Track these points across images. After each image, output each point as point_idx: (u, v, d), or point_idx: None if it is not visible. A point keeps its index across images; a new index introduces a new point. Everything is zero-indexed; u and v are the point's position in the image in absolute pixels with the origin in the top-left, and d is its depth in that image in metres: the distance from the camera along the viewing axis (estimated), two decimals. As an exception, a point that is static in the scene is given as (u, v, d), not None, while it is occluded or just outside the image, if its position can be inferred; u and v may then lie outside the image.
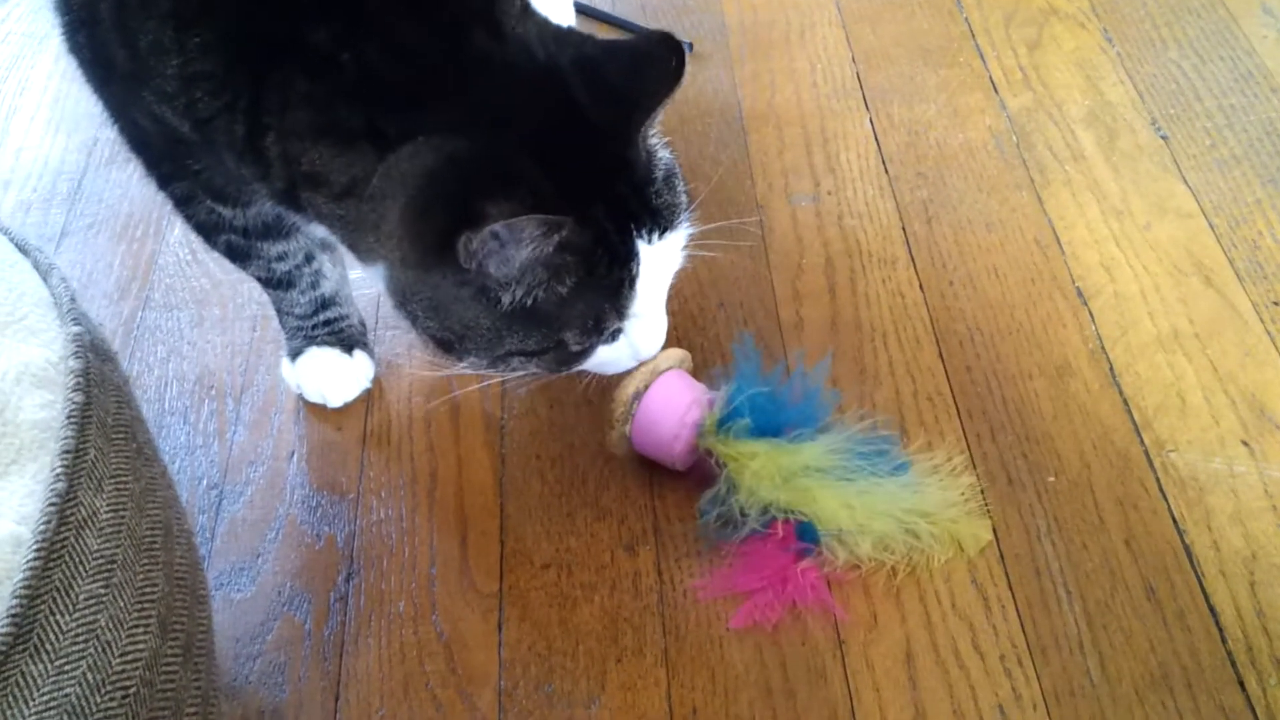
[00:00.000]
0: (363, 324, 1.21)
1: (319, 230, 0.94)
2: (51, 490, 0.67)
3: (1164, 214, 1.28)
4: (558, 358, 0.91)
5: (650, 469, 1.08)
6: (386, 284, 0.88)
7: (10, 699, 0.61)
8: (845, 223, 1.31)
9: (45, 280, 0.80)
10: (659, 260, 0.89)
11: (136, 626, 0.69)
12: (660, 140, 0.90)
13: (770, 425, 1.01)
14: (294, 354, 1.18)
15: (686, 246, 0.92)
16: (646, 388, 1.02)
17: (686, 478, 1.06)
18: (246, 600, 1.04)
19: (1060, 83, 1.45)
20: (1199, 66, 1.44)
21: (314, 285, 1.12)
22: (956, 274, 1.24)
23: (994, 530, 1.02)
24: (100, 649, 0.66)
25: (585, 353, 0.92)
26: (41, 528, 0.65)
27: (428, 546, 1.07)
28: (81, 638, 0.65)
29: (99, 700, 0.65)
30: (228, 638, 1.01)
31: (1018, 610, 0.97)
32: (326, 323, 1.16)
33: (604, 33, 1.54)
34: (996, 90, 1.45)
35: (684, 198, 0.90)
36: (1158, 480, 1.05)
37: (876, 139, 1.40)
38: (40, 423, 0.70)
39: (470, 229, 0.77)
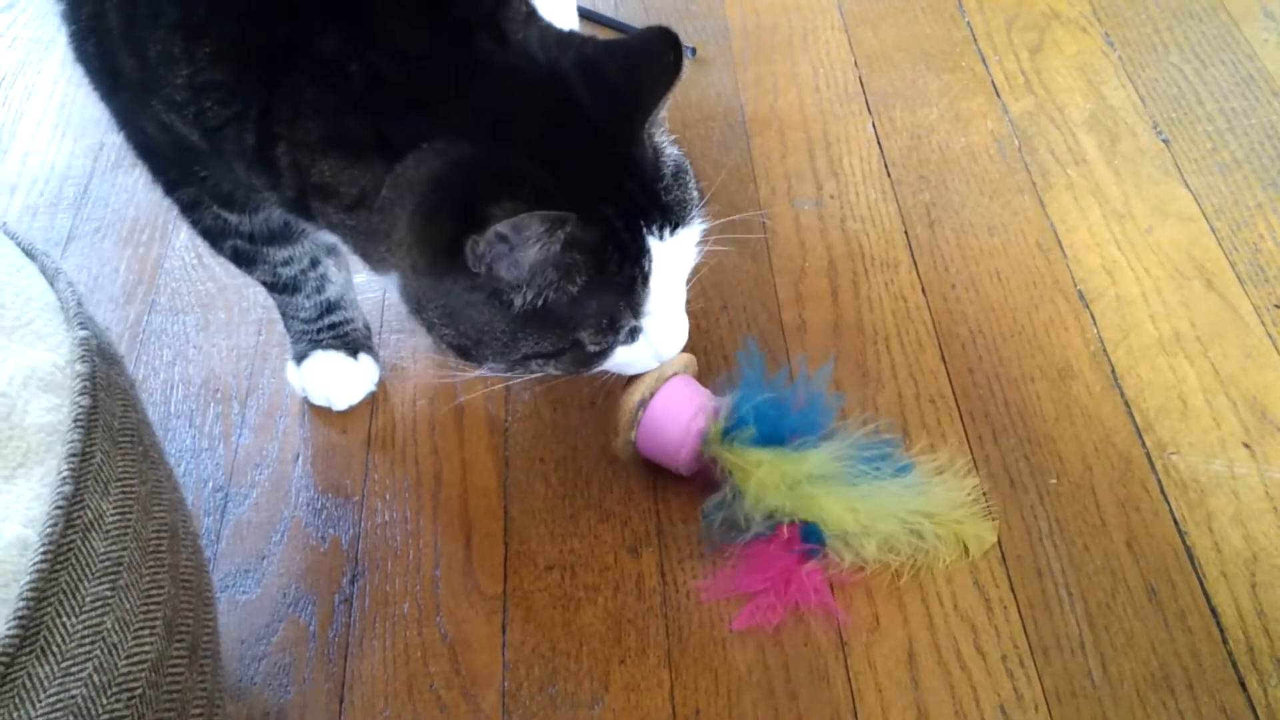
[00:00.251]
0: (367, 327, 1.21)
1: (327, 236, 0.94)
2: (58, 493, 0.67)
3: (1165, 217, 1.28)
4: (575, 358, 0.90)
5: (654, 471, 1.09)
6: (401, 292, 0.89)
7: (17, 700, 0.61)
8: (848, 226, 1.31)
9: (52, 285, 0.81)
10: (672, 257, 0.88)
11: (142, 628, 0.70)
12: (668, 137, 0.90)
13: (775, 433, 1.01)
14: (299, 357, 1.18)
15: (701, 243, 0.91)
16: (652, 394, 1.02)
17: (690, 480, 1.06)
18: (252, 602, 1.05)
19: (1062, 87, 1.45)
20: (1200, 70, 1.45)
21: (319, 289, 1.12)
22: (959, 277, 1.25)
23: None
24: (106, 651, 0.66)
25: (603, 353, 0.92)
26: (48, 531, 0.65)
27: (432, 548, 1.07)
28: (88, 640, 0.65)
29: (105, 702, 0.66)
30: (233, 639, 1.02)
31: (1019, 611, 0.98)
32: (331, 326, 1.16)
33: (606, 36, 1.54)
34: (998, 94, 1.45)
35: (695, 193, 0.90)
36: (1159, 482, 1.05)
37: (879, 143, 1.41)
38: (47, 426, 0.70)
39: (476, 232, 0.77)
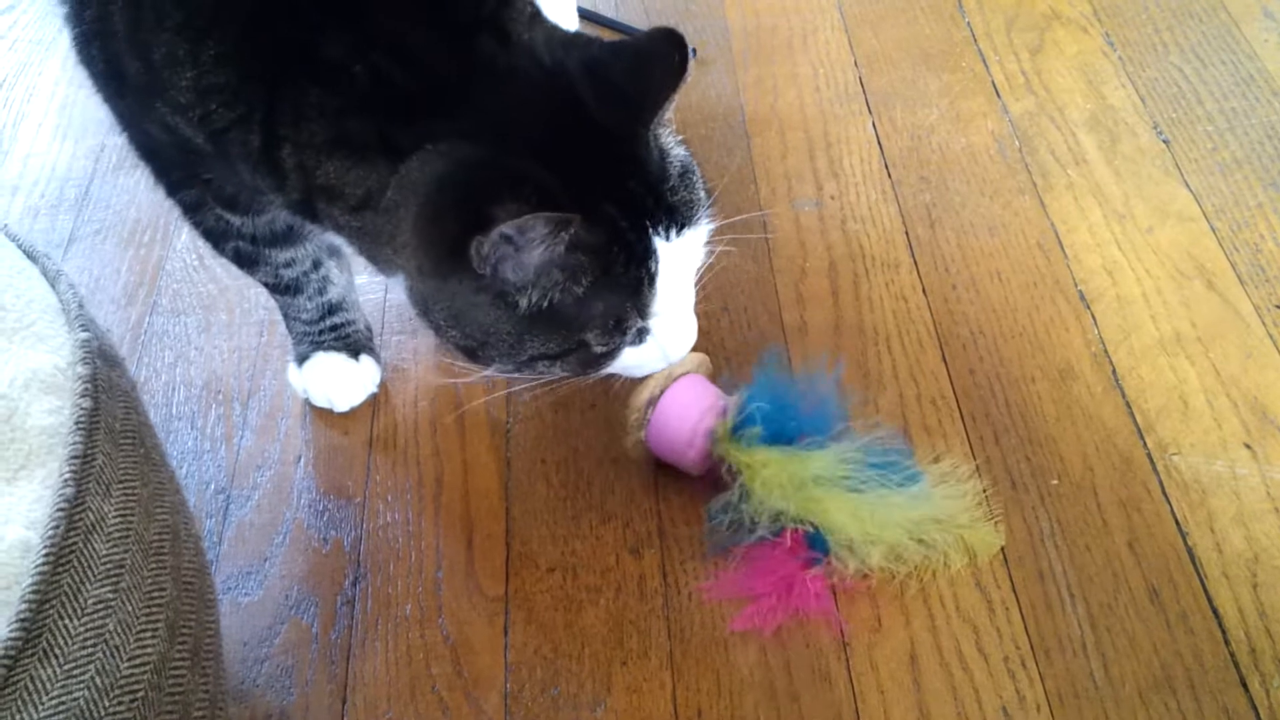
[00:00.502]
0: (369, 329, 1.21)
1: (331, 237, 0.94)
2: (60, 495, 0.67)
3: (1166, 217, 1.28)
4: (582, 360, 0.90)
5: (655, 472, 1.09)
6: (407, 294, 0.89)
7: (19, 703, 0.61)
8: (848, 227, 1.31)
9: (53, 286, 0.81)
10: (679, 257, 0.88)
11: (144, 631, 0.70)
12: (675, 138, 0.90)
13: (783, 433, 1.01)
14: (301, 359, 1.18)
15: (708, 243, 0.91)
16: (661, 393, 1.02)
17: (692, 481, 1.07)
18: (254, 604, 1.05)
19: (1062, 87, 1.45)
20: (1200, 70, 1.45)
21: (321, 291, 1.13)
22: (959, 278, 1.25)
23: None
24: (108, 653, 0.66)
25: (610, 354, 0.91)
26: (50, 533, 0.65)
27: (434, 550, 1.07)
28: (90, 642, 0.65)
29: (107, 704, 0.66)
30: (235, 641, 1.02)
31: (1021, 612, 0.98)
32: (333, 328, 1.16)
33: (608, 38, 1.54)
34: (999, 94, 1.45)
35: (702, 194, 0.90)
36: (1160, 483, 1.05)
37: (879, 143, 1.41)
38: (48, 428, 0.70)
39: (480, 233, 0.77)
